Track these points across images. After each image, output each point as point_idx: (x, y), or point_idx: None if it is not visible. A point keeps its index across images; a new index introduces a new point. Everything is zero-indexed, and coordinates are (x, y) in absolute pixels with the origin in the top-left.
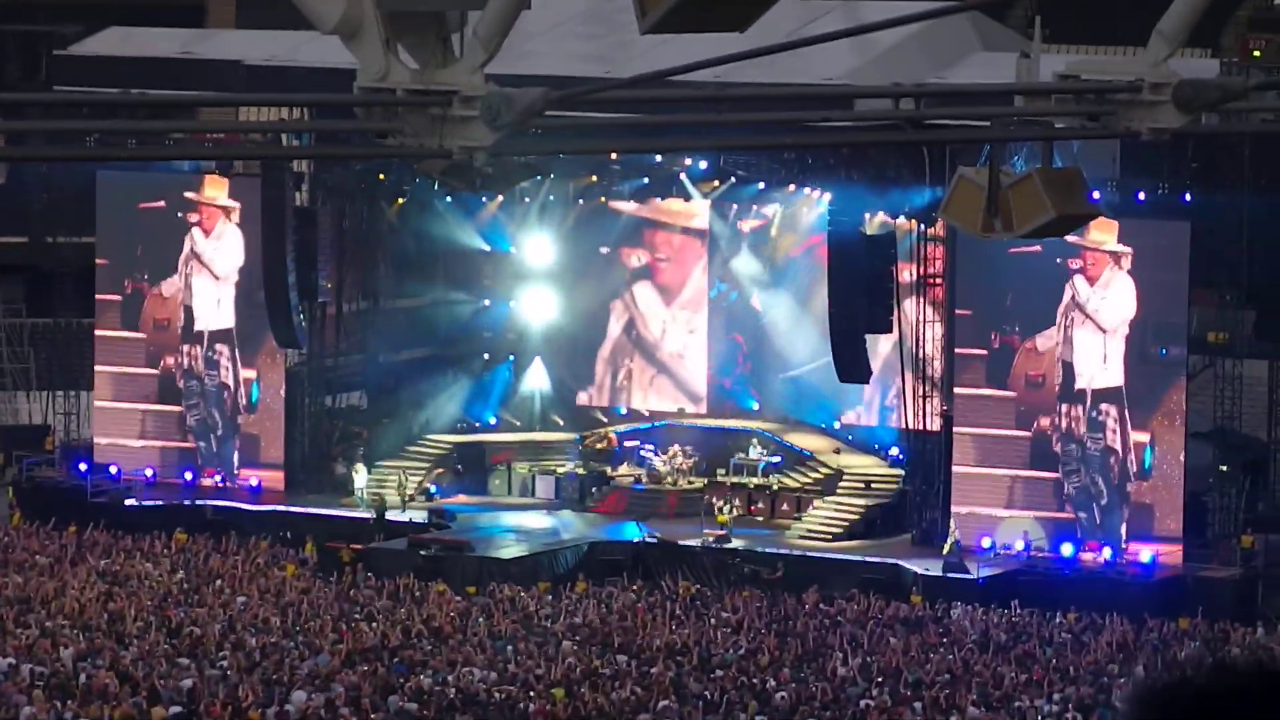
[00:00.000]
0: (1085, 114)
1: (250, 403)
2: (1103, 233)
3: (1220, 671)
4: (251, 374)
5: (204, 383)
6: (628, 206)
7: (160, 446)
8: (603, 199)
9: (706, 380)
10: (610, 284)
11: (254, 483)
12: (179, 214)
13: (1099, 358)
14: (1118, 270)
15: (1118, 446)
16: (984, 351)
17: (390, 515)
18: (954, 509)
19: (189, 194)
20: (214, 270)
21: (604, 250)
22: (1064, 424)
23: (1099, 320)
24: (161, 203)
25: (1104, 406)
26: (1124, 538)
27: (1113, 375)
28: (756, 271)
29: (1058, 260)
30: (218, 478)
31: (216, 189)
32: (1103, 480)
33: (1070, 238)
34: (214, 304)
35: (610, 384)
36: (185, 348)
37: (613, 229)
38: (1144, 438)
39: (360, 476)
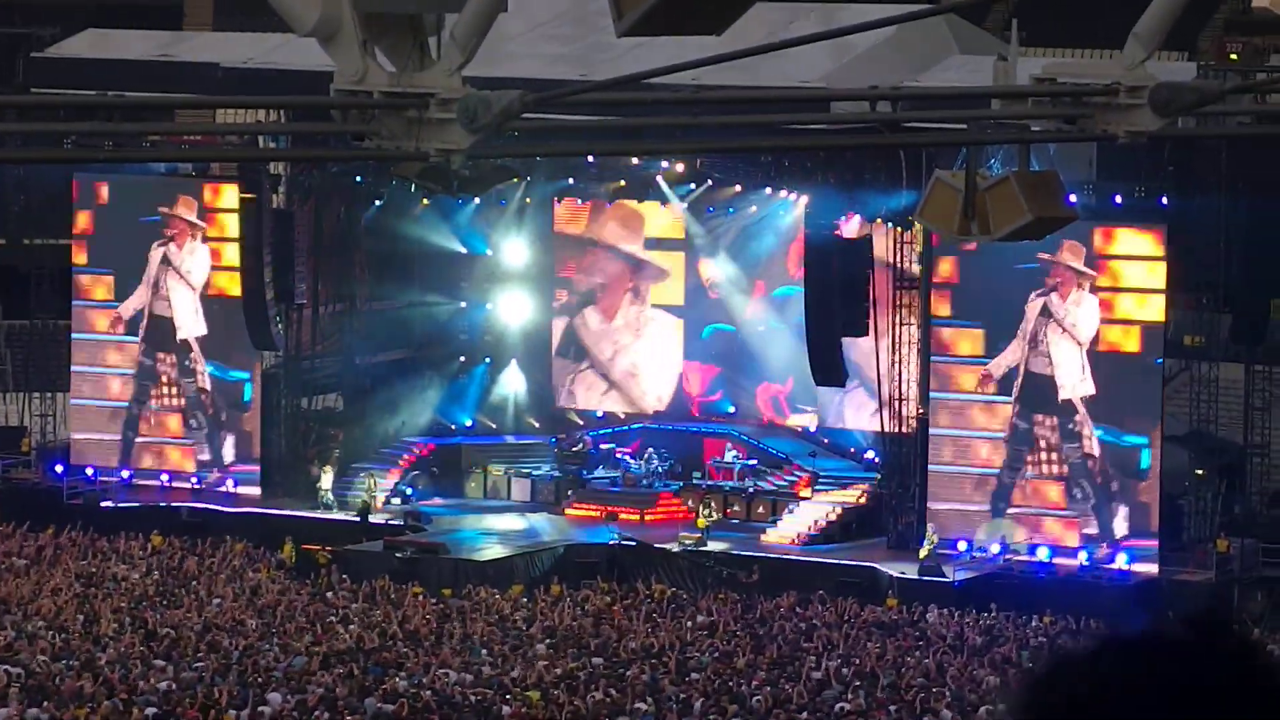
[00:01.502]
0: (1062, 117)
1: (243, 403)
2: (1071, 254)
3: (1111, 646)
4: (239, 376)
5: (180, 388)
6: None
7: (136, 451)
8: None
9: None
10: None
11: (230, 485)
12: (154, 221)
13: (1076, 368)
14: (1084, 292)
15: (1094, 452)
16: (959, 356)
17: (374, 517)
18: (930, 505)
19: (163, 209)
20: (189, 280)
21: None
22: (1037, 432)
23: (1075, 334)
24: (136, 213)
25: (1078, 416)
26: (1099, 541)
27: (1089, 385)
28: (733, 274)
29: (1031, 271)
30: (193, 480)
31: (187, 209)
32: (1088, 483)
33: (1042, 255)
34: (191, 312)
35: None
36: (160, 354)
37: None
38: (1124, 435)
39: (327, 478)
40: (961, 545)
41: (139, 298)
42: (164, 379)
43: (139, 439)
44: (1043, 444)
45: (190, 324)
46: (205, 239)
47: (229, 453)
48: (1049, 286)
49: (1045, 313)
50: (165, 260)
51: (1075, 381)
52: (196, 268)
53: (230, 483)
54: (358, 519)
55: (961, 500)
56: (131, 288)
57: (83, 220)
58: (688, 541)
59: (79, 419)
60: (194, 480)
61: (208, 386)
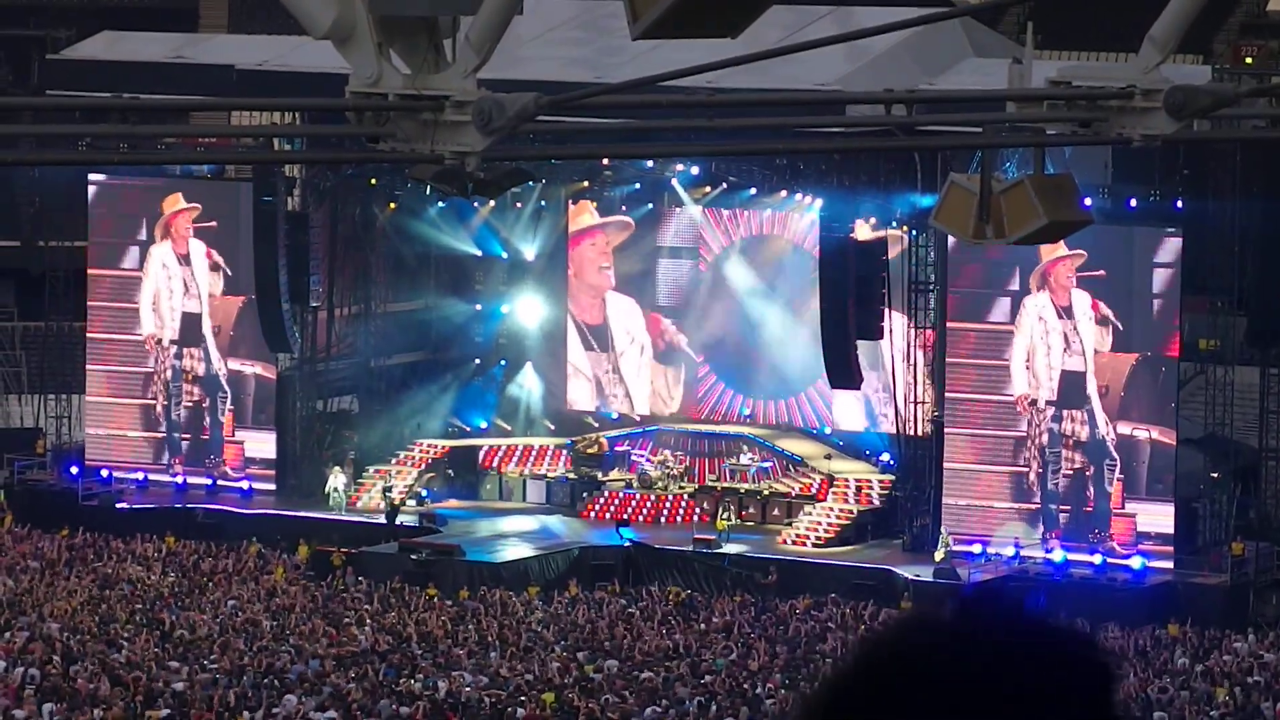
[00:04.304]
0: (1077, 120)
1: (237, 408)
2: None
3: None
4: (240, 376)
5: (190, 387)
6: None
7: (148, 451)
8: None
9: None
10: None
11: (245, 486)
12: (163, 221)
13: (1085, 366)
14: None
15: (1106, 451)
16: (970, 358)
17: (392, 518)
18: (945, 500)
19: (176, 210)
20: (200, 277)
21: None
22: (1046, 431)
23: (1081, 332)
24: (150, 216)
25: (1083, 413)
26: (1107, 543)
27: (1099, 382)
28: (749, 277)
29: (1035, 269)
30: (207, 480)
31: (201, 210)
32: (1092, 486)
33: (1045, 256)
34: (204, 309)
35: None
36: (171, 352)
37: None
38: (1137, 438)
39: (335, 479)
40: (976, 548)
41: (155, 293)
42: (187, 377)
43: (149, 443)
44: (1071, 443)
45: (197, 321)
46: (219, 241)
47: (246, 453)
48: (1051, 281)
49: (1050, 307)
50: (183, 261)
51: (1082, 379)
52: (214, 269)
53: (245, 483)
54: (385, 522)
55: (979, 501)
56: (147, 290)
57: (97, 222)
58: (702, 543)
59: (93, 422)
60: (210, 482)
61: (216, 387)
